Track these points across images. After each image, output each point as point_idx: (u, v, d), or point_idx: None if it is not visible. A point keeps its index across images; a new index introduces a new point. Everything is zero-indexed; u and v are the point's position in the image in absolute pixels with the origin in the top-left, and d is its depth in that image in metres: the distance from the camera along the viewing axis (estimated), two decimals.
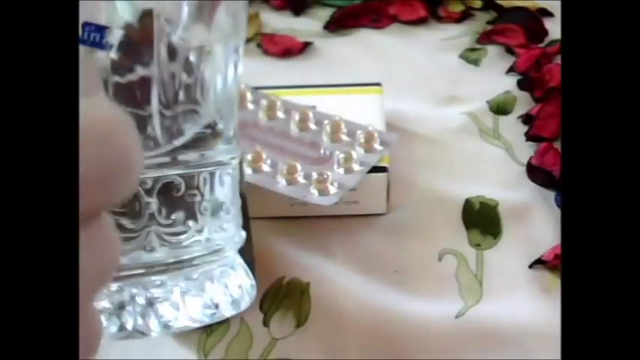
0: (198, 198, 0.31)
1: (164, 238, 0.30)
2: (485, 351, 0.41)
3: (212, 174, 0.32)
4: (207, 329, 0.42)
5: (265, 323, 0.42)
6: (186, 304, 0.30)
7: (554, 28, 0.62)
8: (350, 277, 0.45)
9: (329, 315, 0.43)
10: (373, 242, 0.47)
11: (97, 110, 0.20)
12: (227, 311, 0.32)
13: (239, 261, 0.34)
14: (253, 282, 0.34)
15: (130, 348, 0.42)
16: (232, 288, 0.33)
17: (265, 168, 0.46)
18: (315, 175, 0.45)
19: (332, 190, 0.45)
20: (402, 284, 0.44)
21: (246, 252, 0.43)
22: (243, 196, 0.41)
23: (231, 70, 0.32)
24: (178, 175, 0.30)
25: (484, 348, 0.41)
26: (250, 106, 0.51)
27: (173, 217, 0.30)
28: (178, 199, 0.30)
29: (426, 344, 0.41)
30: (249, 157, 0.46)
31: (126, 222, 0.29)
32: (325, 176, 0.45)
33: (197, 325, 0.31)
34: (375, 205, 0.48)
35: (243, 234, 0.34)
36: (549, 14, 0.64)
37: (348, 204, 0.47)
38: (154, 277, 0.30)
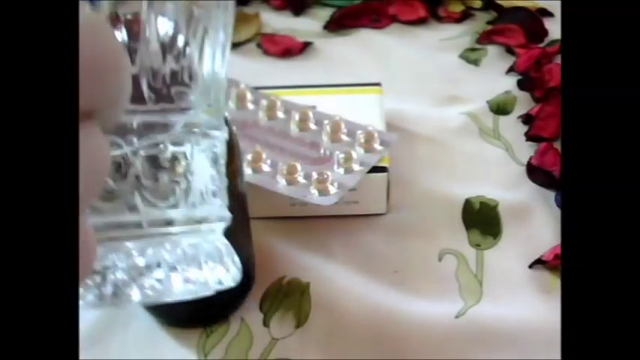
0: (183, 164, 0.30)
1: (148, 199, 0.29)
2: (485, 351, 0.41)
3: (198, 144, 0.32)
4: (207, 329, 0.42)
5: (265, 323, 0.43)
6: (168, 279, 0.30)
7: (554, 28, 0.62)
8: (350, 277, 0.45)
9: (329, 315, 0.43)
10: (373, 242, 0.47)
11: (82, 11, 0.20)
12: (209, 290, 0.32)
13: (224, 242, 0.34)
14: (239, 265, 0.34)
15: (130, 348, 0.42)
16: (216, 267, 0.33)
17: (265, 168, 0.46)
18: (315, 175, 0.45)
19: (332, 190, 0.45)
20: (402, 284, 0.44)
21: (247, 252, 0.43)
22: (243, 196, 0.41)
23: (219, 55, 0.32)
24: (166, 139, 0.30)
25: (484, 348, 0.41)
26: (250, 106, 0.51)
27: (158, 179, 0.30)
28: (164, 164, 0.30)
29: (426, 344, 0.41)
30: (249, 157, 0.46)
31: (110, 183, 0.29)
32: (325, 176, 0.45)
33: (176, 299, 0.32)
34: (375, 205, 0.48)
35: (229, 215, 0.34)
36: (549, 14, 0.64)
37: (348, 204, 0.47)
38: (135, 244, 0.30)
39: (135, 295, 0.30)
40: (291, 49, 0.62)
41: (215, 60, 0.31)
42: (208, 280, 0.33)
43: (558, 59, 0.59)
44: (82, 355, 0.34)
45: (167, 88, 0.30)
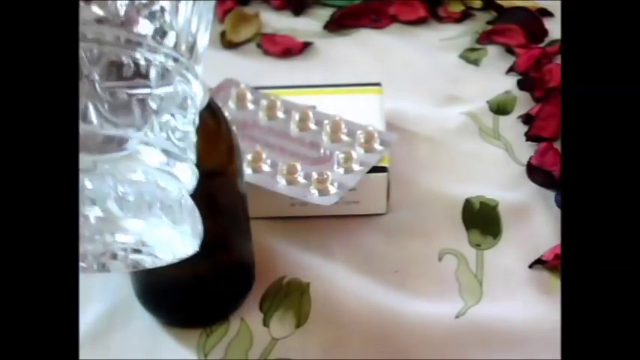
0: (146, 90, 0.30)
1: (102, 112, 0.29)
2: (485, 351, 0.41)
3: (165, 73, 0.31)
4: (207, 329, 0.42)
5: (265, 323, 0.43)
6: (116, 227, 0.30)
7: (554, 28, 0.62)
8: (350, 277, 0.45)
9: (329, 315, 0.43)
10: (373, 242, 0.47)
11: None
12: (162, 254, 0.32)
13: (189, 202, 0.33)
14: (200, 229, 0.33)
15: (130, 348, 0.42)
16: (174, 228, 0.32)
17: (265, 168, 0.46)
18: (315, 175, 0.45)
19: (332, 190, 0.45)
20: (402, 284, 0.44)
21: (247, 252, 0.43)
22: (243, 196, 0.41)
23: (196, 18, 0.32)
24: (130, 57, 0.29)
25: (484, 348, 0.41)
26: (250, 106, 0.51)
27: (116, 94, 0.29)
28: (125, 81, 0.29)
29: (426, 344, 0.41)
30: (249, 157, 0.46)
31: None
32: (325, 176, 0.45)
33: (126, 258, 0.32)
34: (375, 205, 0.48)
35: (195, 175, 0.33)
36: (549, 14, 0.64)
37: (348, 204, 0.47)
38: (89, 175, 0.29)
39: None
40: (291, 49, 0.62)
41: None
42: (161, 242, 0.32)
43: (558, 59, 0.59)
44: (82, 355, 0.34)
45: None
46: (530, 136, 0.53)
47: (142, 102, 0.29)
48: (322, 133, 0.49)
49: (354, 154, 0.46)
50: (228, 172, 0.39)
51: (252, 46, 0.63)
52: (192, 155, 0.32)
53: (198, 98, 0.34)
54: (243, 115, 0.50)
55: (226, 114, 0.39)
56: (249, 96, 0.51)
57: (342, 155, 0.46)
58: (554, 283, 0.44)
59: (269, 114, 0.50)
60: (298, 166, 0.46)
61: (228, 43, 0.63)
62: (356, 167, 0.46)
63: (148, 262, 0.33)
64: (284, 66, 0.61)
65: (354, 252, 0.46)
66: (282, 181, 0.46)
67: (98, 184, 0.28)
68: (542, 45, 0.62)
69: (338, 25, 0.65)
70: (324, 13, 0.66)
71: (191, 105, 0.32)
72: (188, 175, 0.32)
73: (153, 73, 0.30)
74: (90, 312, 0.43)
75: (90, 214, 0.28)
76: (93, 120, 0.28)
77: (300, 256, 0.46)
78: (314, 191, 0.45)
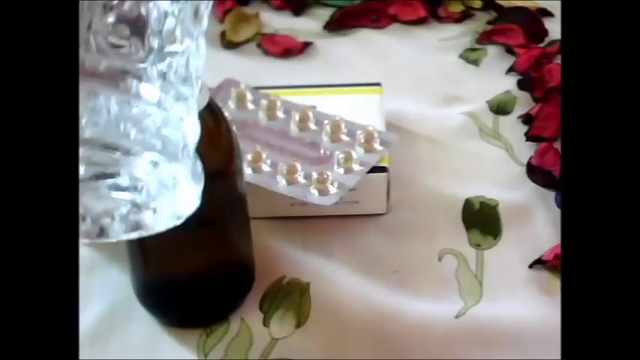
0: (147, 29, 0.30)
1: (101, 44, 0.29)
2: (485, 351, 0.41)
3: (164, 16, 0.31)
4: (207, 329, 0.42)
5: (265, 323, 0.42)
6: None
7: (554, 28, 0.62)
8: (350, 277, 0.45)
9: (329, 315, 0.43)
10: (373, 242, 0.47)
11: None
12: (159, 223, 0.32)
13: (192, 150, 0.33)
14: (198, 199, 0.33)
15: (130, 348, 0.42)
16: (173, 193, 0.32)
17: (265, 168, 0.46)
18: (315, 175, 0.45)
19: (332, 190, 0.45)
20: (402, 284, 0.44)
21: (247, 252, 0.43)
22: (243, 196, 0.41)
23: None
24: None
25: (484, 348, 0.41)
26: (250, 106, 0.51)
27: (118, 27, 0.29)
28: (126, 17, 0.29)
29: (426, 344, 0.41)
30: (249, 157, 0.46)
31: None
32: (325, 176, 0.45)
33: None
34: (375, 205, 0.48)
35: (197, 133, 0.33)
36: (549, 14, 0.64)
37: (348, 204, 0.47)
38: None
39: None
40: (291, 49, 0.62)
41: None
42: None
43: (558, 59, 0.59)
44: (82, 355, 0.34)
45: None
46: (530, 136, 0.53)
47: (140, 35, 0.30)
48: (322, 133, 0.49)
49: (354, 154, 0.46)
50: (228, 172, 0.39)
51: (252, 46, 0.63)
52: (194, 103, 0.32)
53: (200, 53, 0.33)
54: (243, 115, 0.50)
55: (226, 114, 0.39)
56: (249, 96, 0.51)
57: (342, 155, 0.46)
58: (554, 283, 0.44)
59: (269, 114, 0.50)
60: (298, 166, 0.46)
61: (228, 43, 0.63)
62: (356, 167, 0.46)
63: (149, 223, 0.32)
64: (284, 66, 0.61)
65: (354, 252, 0.46)
66: (282, 181, 0.46)
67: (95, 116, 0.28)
68: (542, 45, 0.62)
69: (338, 25, 0.65)
70: (324, 13, 0.66)
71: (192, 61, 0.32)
72: (190, 117, 0.32)
73: (152, 14, 0.30)
74: (90, 312, 0.43)
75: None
76: (93, 49, 0.28)
77: (300, 256, 0.46)
78: (314, 191, 0.45)
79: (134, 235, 0.32)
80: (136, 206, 0.31)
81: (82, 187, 0.29)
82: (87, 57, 0.29)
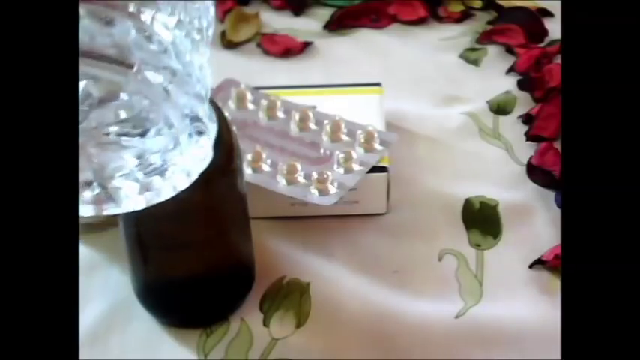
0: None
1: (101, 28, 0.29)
2: (485, 351, 0.41)
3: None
4: (207, 329, 0.42)
5: (265, 323, 0.42)
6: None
7: (554, 28, 0.62)
8: (350, 277, 0.45)
9: (329, 315, 0.43)
10: (373, 242, 0.47)
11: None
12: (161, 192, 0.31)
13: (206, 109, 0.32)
14: (213, 137, 0.32)
15: (130, 348, 0.42)
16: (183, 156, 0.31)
17: (265, 168, 0.46)
18: (315, 175, 0.45)
19: (332, 190, 0.45)
20: (402, 284, 0.44)
21: (246, 252, 0.43)
22: (243, 196, 0.41)
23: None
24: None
25: (484, 348, 0.41)
26: (250, 106, 0.51)
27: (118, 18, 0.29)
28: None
29: (426, 344, 0.41)
30: (249, 157, 0.46)
31: None
32: (325, 176, 0.45)
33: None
34: (375, 205, 0.48)
35: (205, 110, 0.32)
36: (549, 14, 0.64)
37: (348, 204, 0.47)
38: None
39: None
40: (291, 49, 0.62)
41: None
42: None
43: (558, 59, 0.59)
44: (82, 355, 0.34)
45: None
46: (530, 136, 0.53)
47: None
48: (322, 133, 0.49)
49: (354, 154, 0.46)
50: (228, 172, 0.39)
51: (252, 46, 0.63)
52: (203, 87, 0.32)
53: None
54: (243, 115, 0.50)
55: (226, 114, 0.39)
56: (249, 96, 0.51)
57: (342, 155, 0.46)
58: (554, 283, 0.44)
59: (269, 114, 0.50)
60: (298, 166, 0.46)
61: (228, 43, 0.63)
62: (356, 167, 0.46)
63: (159, 187, 0.31)
64: (284, 66, 0.61)
65: (354, 252, 0.46)
66: (282, 181, 0.46)
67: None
68: (542, 45, 0.62)
69: (338, 25, 0.65)
70: (324, 13, 0.66)
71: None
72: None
73: None
74: (90, 312, 0.43)
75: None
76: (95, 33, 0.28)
77: (300, 256, 0.46)
78: (314, 191, 0.45)
79: (143, 204, 0.31)
80: (146, 169, 0.31)
81: (89, 135, 0.28)
82: None
